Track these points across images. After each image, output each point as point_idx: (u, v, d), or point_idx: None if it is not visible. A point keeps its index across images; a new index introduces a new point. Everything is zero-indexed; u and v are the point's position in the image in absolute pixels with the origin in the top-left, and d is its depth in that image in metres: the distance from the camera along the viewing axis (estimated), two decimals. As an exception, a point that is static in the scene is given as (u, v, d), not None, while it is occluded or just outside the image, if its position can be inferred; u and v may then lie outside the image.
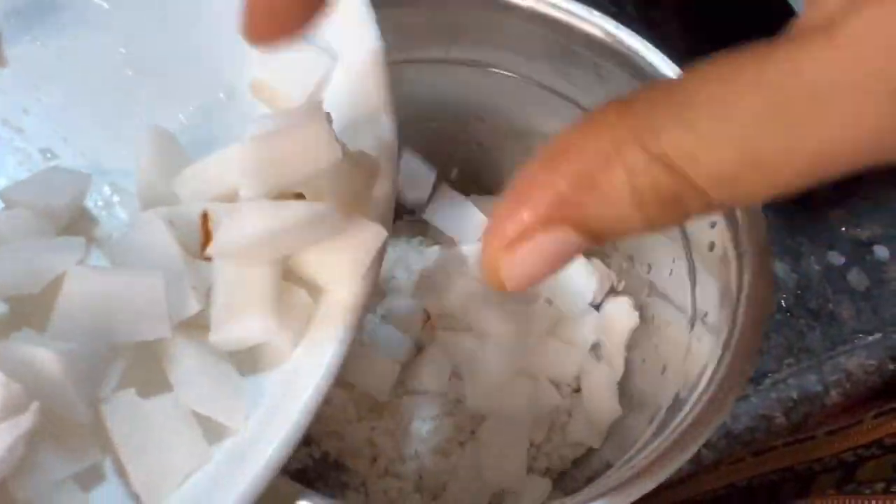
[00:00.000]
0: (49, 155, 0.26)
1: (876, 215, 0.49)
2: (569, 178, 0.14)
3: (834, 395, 0.44)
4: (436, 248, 0.41)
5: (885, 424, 0.44)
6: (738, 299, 0.28)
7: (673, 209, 0.14)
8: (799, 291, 0.46)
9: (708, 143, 0.13)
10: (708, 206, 0.14)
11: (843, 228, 0.48)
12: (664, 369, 0.34)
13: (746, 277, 0.28)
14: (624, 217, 0.14)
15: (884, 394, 0.45)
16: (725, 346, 0.28)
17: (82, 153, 0.26)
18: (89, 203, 0.25)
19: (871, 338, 0.45)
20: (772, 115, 0.13)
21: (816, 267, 0.47)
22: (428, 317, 0.40)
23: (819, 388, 0.43)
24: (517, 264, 0.15)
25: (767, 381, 0.44)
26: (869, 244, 0.48)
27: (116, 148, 0.26)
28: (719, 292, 0.30)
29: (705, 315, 0.31)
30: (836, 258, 0.47)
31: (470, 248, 0.40)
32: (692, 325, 0.32)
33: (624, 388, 0.37)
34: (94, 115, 0.26)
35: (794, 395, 0.43)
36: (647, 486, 0.26)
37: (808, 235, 0.48)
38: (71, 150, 0.26)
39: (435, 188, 0.40)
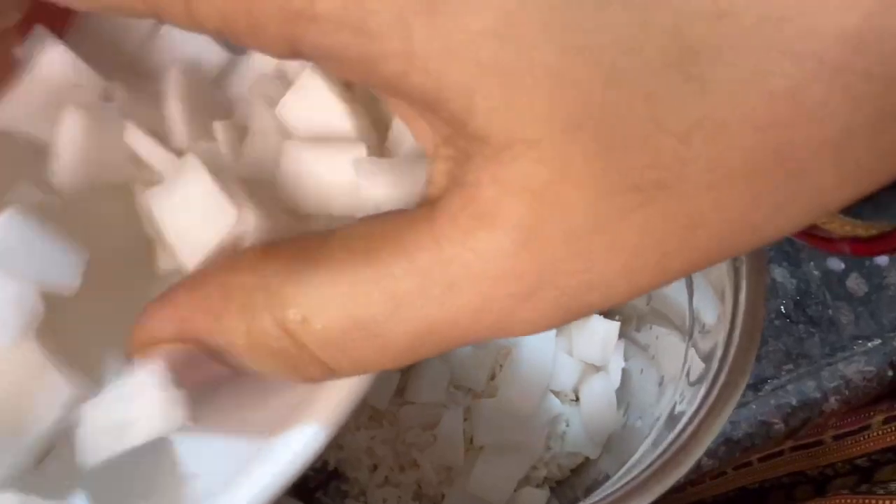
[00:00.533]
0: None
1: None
2: (200, 304, 0.14)
3: (833, 402, 0.44)
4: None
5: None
6: (734, 310, 0.28)
7: (290, 369, 0.14)
8: (798, 297, 0.46)
9: (318, 306, 0.13)
10: (330, 372, 0.14)
11: (842, 234, 0.48)
12: (662, 380, 0.34)
13: (743, 289, 0.28)
14: (240, 359, 0.14)
15: (888, 397, 0.45)
16: (723, 358, 0.28)
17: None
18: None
19: (870, 344, 0.45)
20: (375, 289, 0.13)
21: (815, 272, 0.47)
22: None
23: (818, 394, 0.44)
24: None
25: (766, 388, 0.44)
26: (868, 250, 0.48)
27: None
28: (717, 303, 0.30)
29: (703, 326, 0.31)
30: (836, 264, 0.47)
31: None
32: (690, 335, 0.32)
33: (622, 399, 0.37)
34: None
35: (793, 401, 0.43)
36: (646, 499, 0.26)
37: (806, 241, 0.48)
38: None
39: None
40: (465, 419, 0.38)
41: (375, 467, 0.38)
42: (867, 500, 0.40)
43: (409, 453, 0.38)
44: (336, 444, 0.38)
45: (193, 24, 0.12)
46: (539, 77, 0.11)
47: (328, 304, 0.13)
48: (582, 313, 0.13)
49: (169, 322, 0.15)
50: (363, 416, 0.38)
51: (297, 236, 0.15)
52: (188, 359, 0.15)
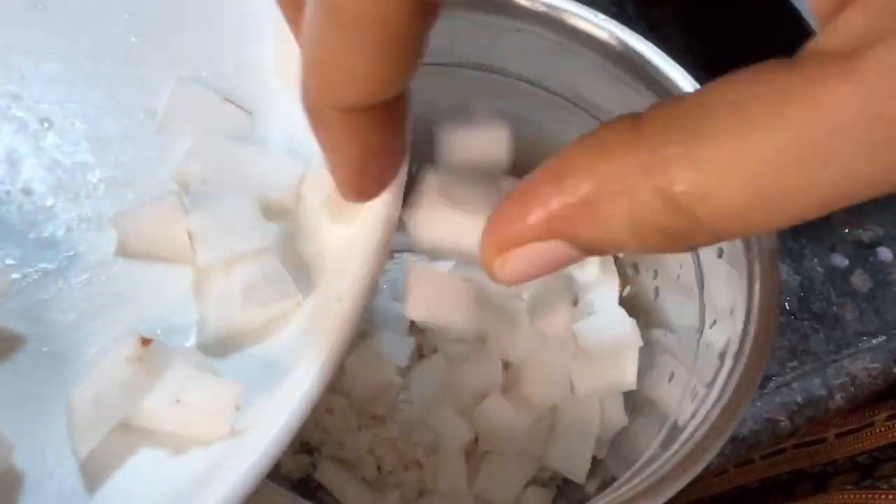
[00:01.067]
0: (46, 124, 0.26)
1: (878, 217, 0.48)
2: (570, 197, 0.14)
3: (838, 399, 0.43)
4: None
5: (898, 429, 0.44)
6: (748, 307, 0.28)
7: (677, 242, 0.14)
8: (802, 294, 0.46)
9: (719, 180, 0.13)
10: (718, 239, 0.14)
11: (846, 230, 0.48)
12: (671, 377, 0.33)
13: (757, 286, 0.28)
14: (620, 242, 0.14)
15: (892, 395, 0.45)
16: (737, 356, 0.27)
17: (79, 122, 0.26)
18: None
19: (875, 341, 0.45)
20: (787, 152, 0.12)
21: (819, 269, 0.47)
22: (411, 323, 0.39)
23: (823, 392, 0.43)
24: (510, 266, 0.16)
25: (771, 385, 0.43)
26: (872, 246, 0.47)
27: (116, 116, 0.26)
28: (729, 300, 0.29)
29: (714, 322, 0.31)
30: (839, 260, 0.47)
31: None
32: (700, 333, 0.32)
33: (628, 397, 0.37)
34: (93, 83, 0.27)
35: (799, 398, 0.43)
36: (660, 499, 0.26)
37: (809, 237, 0.48)
38: (69, 120, 0.26)
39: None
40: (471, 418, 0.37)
41: (379, 468, 0.38)
42: (870, 495, 0.40)
43: (412, 453, 0.38)
44: (338, 442, 0.37)
45: None
46: None
47: (730, 177, 0.12)
48: None
49: (536, 219, 0.14)
50: (365, 415, 0.38)
51: (658, 104, 0.14)
52: (549, 252, 0.15)
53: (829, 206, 0.13)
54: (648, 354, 0.36)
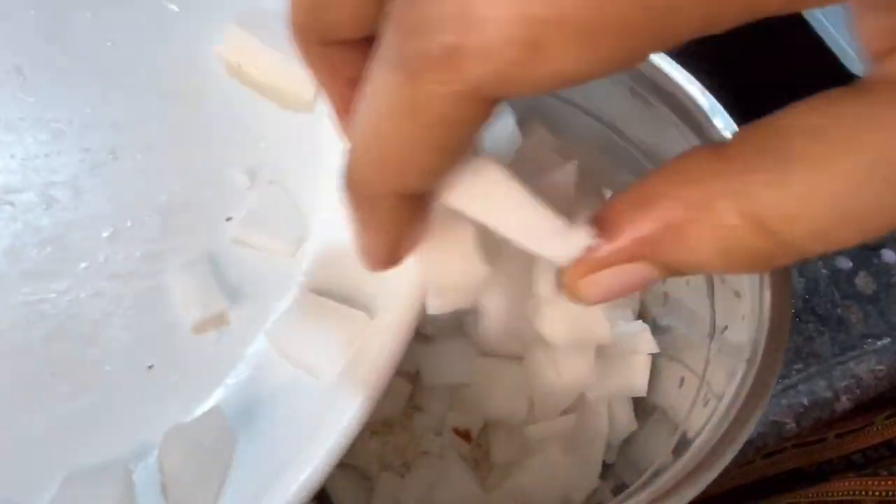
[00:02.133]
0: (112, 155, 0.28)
1: (881, 218, 0.48)
2: (658, 223, 0.15)
3: (844, 401, 0.43)
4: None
5: (893, 427, 0.44)
6: (760, 313, 0.28)
7: (762, 263, 0.14)
8: (807, 296, 0.46)
9: (805, 203, 0.13)
10: (801, 258, 0.14)
11: (849, 232, 0.48)
12: (681, 383, 0.33)
13: (769, 290, 0.28)
14: (706, 264, 0.15)
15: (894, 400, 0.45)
16: (749, 362, 0.27)
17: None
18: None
19: (879, 342, 0.45)
20: (868, 175, 0.13)
21: (823, 271, 0.47)
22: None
23: (829, 394, 0.43)
24: (594, 287, 0.16)
25: (777, 387, 0.43)
26: (876, 248, 0.48)
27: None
28: (740, 306, 0.29)
29: (725, 328, 0.31)
30: (843, 262, 0.47)
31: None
32: (711, 338, 0.32)
33: (638, 401, 0.37)
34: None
35: (805, 401, 0.43)
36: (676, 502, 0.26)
37: (813, 239, 0.48)
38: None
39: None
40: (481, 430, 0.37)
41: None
42: (870, 481, 0.40)
43: (420, 459, 0.38)
44: (348, 449, 0.37)
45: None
46: None
47: (815, 201, 0.13)
48: None
49: (624, 243, 0.15)
50: (376, 421, 0.38)
51: (740, 133, 0.14)
52: (634, 274, 0.16)
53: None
54: (658, 359, 0.36)
